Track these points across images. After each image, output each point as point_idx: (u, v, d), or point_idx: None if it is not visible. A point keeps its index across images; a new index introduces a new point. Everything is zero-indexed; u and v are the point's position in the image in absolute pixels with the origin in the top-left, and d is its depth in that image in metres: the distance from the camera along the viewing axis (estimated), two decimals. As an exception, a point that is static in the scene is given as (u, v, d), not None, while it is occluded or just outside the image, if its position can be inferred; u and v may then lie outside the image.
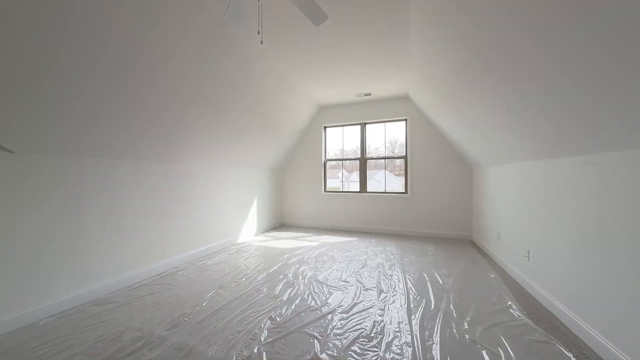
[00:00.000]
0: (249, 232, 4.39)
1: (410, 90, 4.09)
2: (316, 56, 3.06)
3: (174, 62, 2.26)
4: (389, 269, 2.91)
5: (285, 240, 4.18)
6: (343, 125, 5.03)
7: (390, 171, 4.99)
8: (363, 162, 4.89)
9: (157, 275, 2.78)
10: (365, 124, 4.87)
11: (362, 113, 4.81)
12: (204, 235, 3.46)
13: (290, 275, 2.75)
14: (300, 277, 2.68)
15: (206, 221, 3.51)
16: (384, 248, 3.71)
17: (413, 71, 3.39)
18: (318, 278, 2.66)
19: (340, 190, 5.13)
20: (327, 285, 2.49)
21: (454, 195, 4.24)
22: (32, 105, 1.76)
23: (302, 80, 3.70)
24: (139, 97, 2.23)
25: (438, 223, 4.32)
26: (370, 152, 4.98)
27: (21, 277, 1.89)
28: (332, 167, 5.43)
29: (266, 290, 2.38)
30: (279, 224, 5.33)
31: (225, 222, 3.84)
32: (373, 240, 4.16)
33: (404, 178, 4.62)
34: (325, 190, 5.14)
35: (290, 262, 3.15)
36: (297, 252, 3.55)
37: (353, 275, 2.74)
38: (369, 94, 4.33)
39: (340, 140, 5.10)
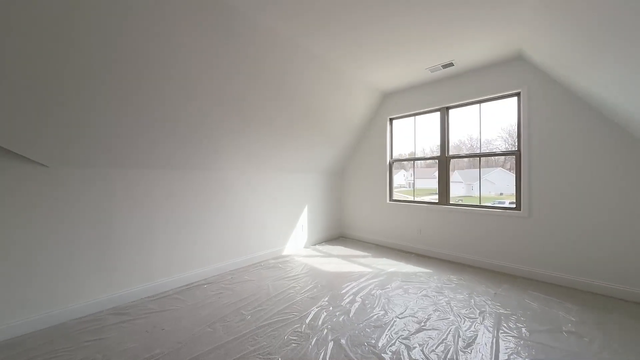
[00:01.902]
0: (297, 243, 3.90)
1: (529, 44, 2.51)
2: (365, 30, 2.16)
3: (215, 72, 1.99)
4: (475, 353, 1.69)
5: (335, 259, 3.44)
6: (415, 114, 3.80)
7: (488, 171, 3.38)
8: (445, 161, 3.50)
9: (185, 285, 2.65)
10: (447, 108, 3.47)
11: (441, 94, 3.45)
12: (242, 245, 3.20)
13: (314, 319, 2.00)
14: (326, 333, 1.88)
15: (246, 231, 3.24)
16: (471, 297, 2.38)
17: (536, 5, 1.96)
18: (354, 343, 1.79)
19: (412, 200, 3.90)
20: None
21: (623, 216, 2.33)
22: (64, 121, 1.77)
23: (352, 62, 2.85)
24: (178, 108, 2.17)
25: (585, 264, 2.50)
26: (457, 146, 3.53)
27: (51, 280, 1.99)
28: (400, 169, 4.25)
29: (264, 343, 1.74)
30: (337, 234, 4.61)
31: (267, 232, 3.48)
32: (454, 278, 2.81)
33: (514, 185, 2.98)
34: (390, 199, 4.05)
35: (322, 301, 2.35)
36: (343, 281, 2.74)
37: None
38: (450, 64, 2.99)
39: (412, 135, 3.88)
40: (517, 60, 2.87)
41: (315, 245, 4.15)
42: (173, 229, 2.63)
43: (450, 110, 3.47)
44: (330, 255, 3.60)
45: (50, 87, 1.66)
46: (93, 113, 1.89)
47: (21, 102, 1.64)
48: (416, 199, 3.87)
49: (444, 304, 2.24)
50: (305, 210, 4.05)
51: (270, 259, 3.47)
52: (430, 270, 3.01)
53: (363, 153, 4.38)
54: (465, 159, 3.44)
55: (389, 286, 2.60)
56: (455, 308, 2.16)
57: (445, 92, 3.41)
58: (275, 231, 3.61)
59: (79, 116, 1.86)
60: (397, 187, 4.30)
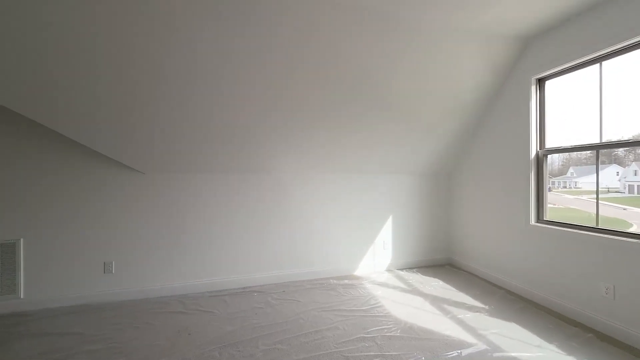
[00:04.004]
0: (375, 263, 3.06)
1: None
2: None
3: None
4: None
5: (425, 302, 2.35)
6: (599, 59, 1.96)
7: None
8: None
9: (240, 288, 2.61)
10: None
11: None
12: (303, 256, 2.84)
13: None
14: None
15: (308, 241, 2.85)
16: None
17: None
18: None
19: (591, 226, 2.03)
20: None
21: None
22: (153, 132, 2.12)
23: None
24: (235, 112, 2.18)
25: None
26: None
27: (138, 267, 2.41)
28: (562, 166, 2.42)
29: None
30: (442, 260, 3.30)
31: (334, 244, 2.92)
32: None
33: None
34: (539, 220, 2.35)
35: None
36: (421, 349, 1.74)
37: None
38: None
39: (591, 103, 2.03)
40: None
41: (403, 269, 3.10)
42: (233, 230, 2.63)
43: None
44: (419, 292, 2.50)
45: (148, 112, 1.93)
46: (180, 129, 2.08)
47: (125, 120, 2.00)
48: (599, 224, 1.98)
49: None
50: (389, 222, 3.11)
51: (334, 277, 2.86)
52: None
53: (483, 144, 2.85)
54: None
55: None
56: None
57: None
58: (344, 245, 2.96)
59: (165, 130, 2.11)
60: (556, 213, 2.48)
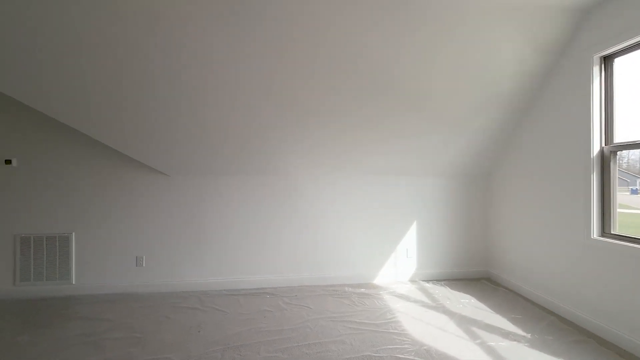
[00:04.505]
0: (397, 272, 2.84)
1: None
2: None
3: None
4: None
5: (450, 322, 2.07)
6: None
7: None
8: None
9: (255, 289, 2.64)
10: None
11: None
12: (317, 260, 2.77)
13: None
14: None
15: (324, 245, 2.77)
16: None
17: None
18: None
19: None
20: None
21: None
22: (175, 137, 2.29)
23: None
24: (252, 116, 2.21)
25: None
26: None
27: (162, 264, 2.60)
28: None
29: None
30: (478, 273, 2.91)
31: (350, 249, 2.79)
32: None
33: None
34: (604, 232, 1.88)
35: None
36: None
37: None
38: None
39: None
40: None
41: (429, 281, 2.80)
42: (249, 231, 2.67)
43: None
44: (444, 309, 2.22)
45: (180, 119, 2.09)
46: (198, 134, 2.21)
47: (150, 126, 2.18)
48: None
49: None
50: (414, 227, 2.85)
51: (350, 284, 2.71)
52: None
53: (530, 139, 2.41)
54: None
55: None
56: None
57: None
58: (363, 251, 2.79)
59: (186, 135, 2.25)
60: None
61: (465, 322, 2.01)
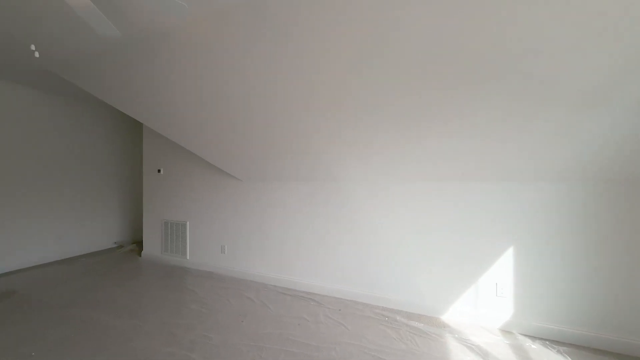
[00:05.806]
0: (480, 313, 2.12)
1: None
2: None
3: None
4: None
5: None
6: None
7: None
8: None
9: (306, 293, 2.67)
10: None
11: None
12: (366, 276, 2.50)
13: None
14: None
15: (375, 260, 2.47)
16: None
17: None
18: None
19: None
20: None
21: None
22: (245, 147, 2.80)
23: None
24: (315, 126, 2.39)
25: None
26: None
27: (239, 251, 3.11)
28: None
29: None
30: (631, 345, 1.71)
31: (410, 268, 2.33)
32: None
33: None
34: None
35: None
36: None
37: None
38: None
39: None
40: None
41: (536, 338, 1.89)
42: (306, 235, 2.75)
43: None
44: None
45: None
46: (264, 144, 2.59)
47: (225, 137, 2.73)
48: None
49: None
50: (510, 255, 2.03)
51: (405, 311, 2.25)
52: None
53: None
54: None
55: None
56: None
57: None
58: (430, 274, 2.26)
59: (254, 145, 2.60)
60: None
61: None
